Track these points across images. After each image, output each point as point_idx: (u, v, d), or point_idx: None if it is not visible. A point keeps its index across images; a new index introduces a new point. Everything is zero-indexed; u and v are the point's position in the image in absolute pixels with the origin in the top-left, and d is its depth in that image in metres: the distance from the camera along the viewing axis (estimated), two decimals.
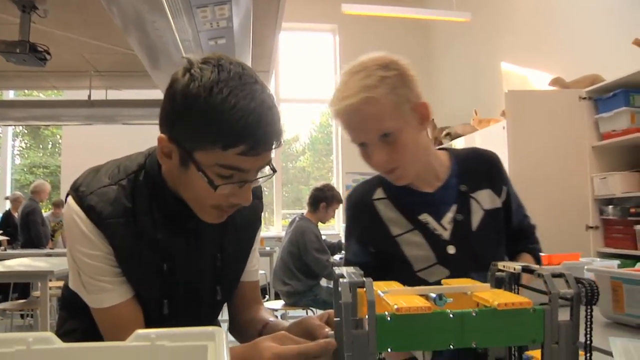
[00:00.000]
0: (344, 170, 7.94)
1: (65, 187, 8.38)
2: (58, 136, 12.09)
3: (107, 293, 1.03)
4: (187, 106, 0.92)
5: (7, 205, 7.68)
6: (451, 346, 0.57)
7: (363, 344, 0.55)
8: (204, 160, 0.94)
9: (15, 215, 7.37)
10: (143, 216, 1.04)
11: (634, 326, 1.35)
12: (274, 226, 8.25)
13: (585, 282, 0.59)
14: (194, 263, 1.11)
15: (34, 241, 6.91)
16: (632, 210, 3.56)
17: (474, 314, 0.57)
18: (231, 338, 1.23)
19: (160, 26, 3.49)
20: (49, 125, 11.36)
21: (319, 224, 4.45)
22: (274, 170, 1.04)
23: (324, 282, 4.47)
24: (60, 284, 4.86)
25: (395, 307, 0.55)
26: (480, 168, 1.35)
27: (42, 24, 4.34)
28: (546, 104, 3.99)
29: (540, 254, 1.45)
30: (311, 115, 10.00)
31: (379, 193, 1.34)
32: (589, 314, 0.60)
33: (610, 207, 3.75)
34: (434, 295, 0.64)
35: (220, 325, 1.28)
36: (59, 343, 0.59)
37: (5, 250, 6.35)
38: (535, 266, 0.65)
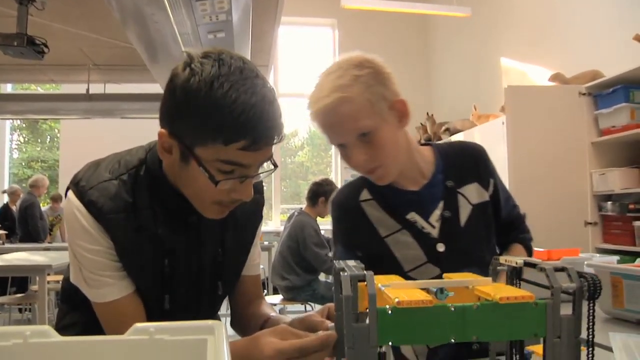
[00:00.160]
0: (343, 165, 7.89)
1: (63, 181, 8.40)
2: (56, 130, 12.05)
3: (108, 287, 1.02)
4: (188, 101, 0.91)
5: (5, 199, 7.67)
6: (452, 340, 0.56)
7: (364, 337, 0.54)
8: (205, 155, 0.93)
9: (13, 208, 7.36)
10: (144, 211, 1.03)
11: (634, 322, 1.34)
12: (273, 221, 8.25)
13: (587, 277, 0.59)
14: (195, 258, 1.11)
15: (32, 235, 6.91)
16: (631, 206, 3.56)
17: (475, 308, 0.57)
18: (232, 332, 1.23)
19: (159, 19, 3.47)
20: (47, 119, 11.33)
21: (318, 218, 4.45)
22: (275, 166, 1.04)
23: (322, 276, 4.47)
24: (59, 278, 4.86)
25: (397, 300, 0.55)
26: (465, 162, 1.33)
27: (40, 16, 4.32)
28: (546, 99, 3.99)
29: (532, 242, 1.43)
30: None
31: (364, 194, 1.31)
32: (591, 308, 0.60)
33: (609, 203, 3.76)
34: (435, 289, 0.64)
35: (220, 320, 1.27)
36: (56, 336, 0.58)
37: (3, 244, 6.34)
38: (537, 260, 0.64)
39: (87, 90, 6.22)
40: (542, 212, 3.74)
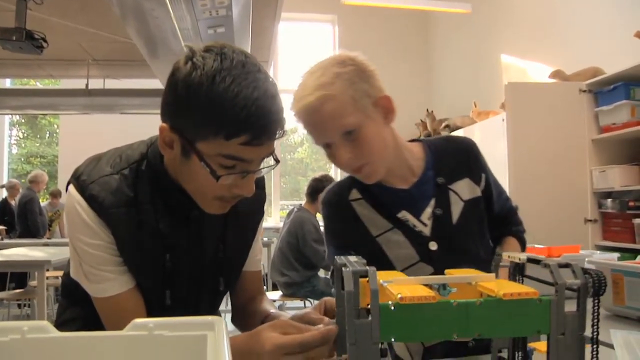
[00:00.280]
0: None
1: (62, 176, 8.38)
2: (55, 126, 12.04)
3: (109, 282, 1.02)
4: (189, 95, 0.90)
5: (4, 194, 7.66)
6: (455, 336, 0.56)
7: (366, 334, 0.54)
8: (206, 150, 0.92)
9: (12, 203, 7.35)
10: (145, 206, 1.03)
11: (635, 319, 1.34)
12: (272, 217, 8.24)
13: (592, 273, 0.58)
14: (196, 253, 1.10)
15: (32, 231, 6.90)
16: (631, 203, 3.56)
17: (478, 304, 0.56)
18: (232, 328, 1.22)
19: (159, 14, 3.46)
20: (46, 114, 11.31)
21: (318, 214, 4.44)
22: (277, 161, 1.03)
23: (322, 273, 4.47)
24: (58, 273, 4.86)
25: (399, 296, 0.54)
26: (456, 157, 1.31)
27: (39, 11, 4.30)
28: (546, 96, 3.98)
29: (524, 234, 1.42)
30: None
31: (354, 193, 1.29)
32: (596, 305, 0.59)
33: (609, 200, 3.75)
34: (437, 285, 0.63)
35: (220, 316, 1.27)
36: (54, 332, 0.58)
37: (2, 239, 6.34)
38: (540, 256, 0.63)
39: (87, 85, 6.20)
40: (542, 209, 3.75)
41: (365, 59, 1.19)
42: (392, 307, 0.54)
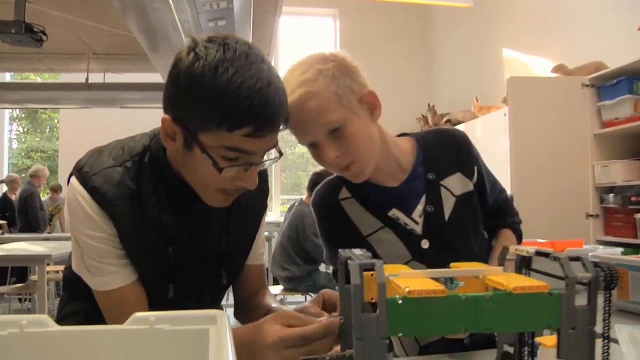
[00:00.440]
0: None
1: (62, 171, 8.38)
2: (56, 120, 12.02)
3: (111, 275, 1.01)
4: (192, 86, 0.89)
5: (4, 188, 7.65)
6: (463, 331, 0.55)
7: (372, 328, 0.52)
8: (209, 142, 0.91)
9: (13, 198, 7.35)
10: (148, 198, 1.02)
11: (639, 314, 1.33)
12: (273, 212, 8.24)
13: (603, 266, 0.57)
14: (199, 247, 1.10)
15: (32, 225, 6.90)
16: (633, 198, 3.55)
17: (487, 298, 0.55)
18: (234, 322, 1.21)
19: (159, 7, 3.44)
20: (46, 109, 11.30)
21: None
22: (280, 153, 1.01)
23: (322, 267, 4.46)
24: (58, 268, 4.86)
25: (407, 289, 0.53)
26: (446, 152, 1.27)
27: (38, 4, 4.28)
28: (548, 91, 3.97)
29: (520, 225, 1.39)
30: None
31: (343, 192, 1.26)
32: (607, 299, 0.58)
33: (611, 195, 3.74)
34: (444, 278, 0.62)
35: (222, 310, 1.26)
36: (53, 326, 0.56)
37: (2, 234, 6.33)
38: (549, 249, 0.62)
39: (87, 79, 6.18)
40: (544, 204, 3.74)
41: (347, 55, 1.15)
42: (400, 301, 0.53)
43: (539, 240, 1.93)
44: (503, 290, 0.56)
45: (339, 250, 0.70)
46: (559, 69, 4.17)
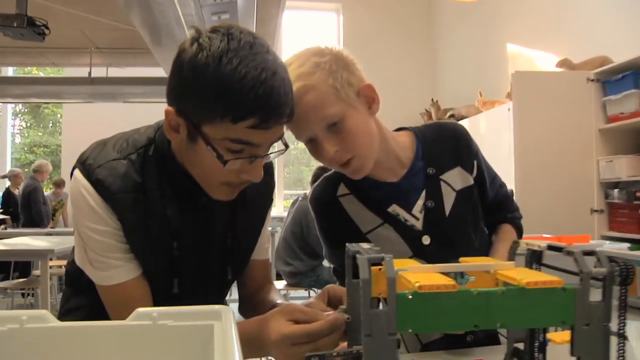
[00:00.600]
0: None
1: (65, 166, 8.38)
2: (58, 115, 12.04)
3: (115, 270, 0.99)
4: (195, 77, 0.87)
5: (7, 184, 7.65)
6: (475, 327, 0.53)
7: (382, 324, 0.51)
8: (213, 134, 0.89)
9: (16, 193, 7.35)
10: (152, 192, 1.00)
11: None
12: (276, 207, 8.23)
13: (619, 261, 0.55)
14: (204, 241, 1.08)
15: (35, 220, 6.90)
16: (638, 194, 3.53)
17: (500, 293, 0.53)
18: (238, 317, 1.20)
19: (162, 0, 3.42)
20: (48, 103, 11.29)
21: None
22: (286, 146, 0.99)
23: (326, 262, 4.44)
24: (61, 262, 4.86)
25: (418, 285, 0.51)
26: (445, 145, 1.24)
27: None
28: (553, 85, 3.95)
29: (521, 220, 1.37)
30: None
31: (342, 189, 1.22)
32: (623, 295, 0.56)
33: (616, 190, 3.72)
34: (454, 273, 0.61)
35: (227, 305, 1.25)
36: (54, 322, 0.55)
37: (5, 229, 6.34)
38: (562, 244, 0.61)
39: (89, 73, 6.17)
40: (548, 200, 3.73)
41: (343, 49, 1.12)
42: (410, 296, 0.51)
43: (545, 235, 1.91)
44: (516, 285, 0.54)
45: (346, 245, 0.68)
46: (563, 63, 4.14)
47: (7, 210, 7.03)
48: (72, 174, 1.01)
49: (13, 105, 10.37)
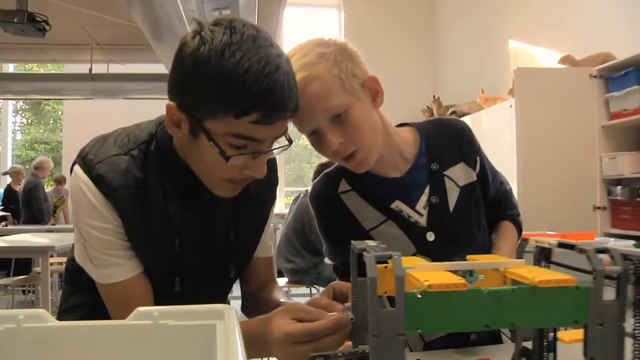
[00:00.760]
0: None
1: (66, 163, 8.36)
2: (59, 112, 12.02)
3: (116, 268, 0.98)
4: (197, 71, 0.85)
5: (8, 180, 7.64)
6: (486, 327, 0.51)
7: (390, 324, 0.49)
8: (215, 129, 0.87)
9: (17, 189, 7.34)
10: (154, 188, 0.98)
11: None
12: (277, 204, 8.22)
13: (634, 259, 0.53)
14: (206, 238, 1.06)
15: (36, 217, 6.89)
16: None
17: (511, 292, 0.51)
18: (241, 315, 1.19)
19: None
20: (49, 100, 11.28)
21: None
22: (290, 141, 0.97)
23: (328, 259, 4.43)
24: (62, 259, 4.86)
25: (427, 283, 0.49)
26: (448, 141, 1.22)
27: None
28: (555, 82, 3.92)
29: (520, 218, 1.35)
30: None
31: (343, 185, 1.20)
32: (638, 294, 0.54)
33: (619, 187, 3.70)
34: (463, 271, 0.59)
35: (229, 304, 1.23)
36: (52, 321, 0.54)
37: (6, 226, 6.33)
38: (574, 241, 0.59)
39: (90, 70, 6.16)
40: (551, 196, 3.71)
41: (346, 41, 1.10)
42: (419, 296, 0.50)
43: (549, 232, 1.90)
44: (527, 284, 0.53)
45: (352, 242, 0.66)
46: (566, 60, 4.12)
47: (8, 207, 7.02)
48: (72, 169, 0.99)
49: (14, 102, 10.36)
